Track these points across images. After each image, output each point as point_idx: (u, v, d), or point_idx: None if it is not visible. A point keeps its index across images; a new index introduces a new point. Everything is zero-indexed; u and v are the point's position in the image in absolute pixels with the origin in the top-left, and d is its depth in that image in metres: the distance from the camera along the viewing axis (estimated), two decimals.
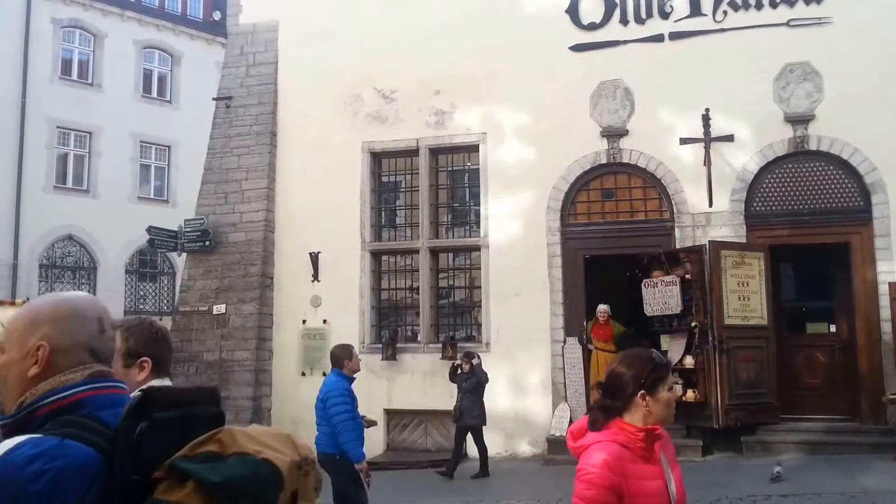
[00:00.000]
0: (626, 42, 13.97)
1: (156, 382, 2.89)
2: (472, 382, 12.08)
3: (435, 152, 15.04)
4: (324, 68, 15.22)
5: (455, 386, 12.45)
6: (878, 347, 12.49)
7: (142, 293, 27.48)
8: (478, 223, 14.70)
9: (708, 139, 13.12)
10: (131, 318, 3.03)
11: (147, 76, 28.09)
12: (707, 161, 13.05)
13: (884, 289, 12.36)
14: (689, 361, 12.45)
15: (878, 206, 12.69)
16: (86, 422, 1.85)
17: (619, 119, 13.82)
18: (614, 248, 13.93)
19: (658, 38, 13.84)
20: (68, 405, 1.89)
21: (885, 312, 12.32)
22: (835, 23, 13.06)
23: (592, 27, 14.15)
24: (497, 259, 14.11)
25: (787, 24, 13.27)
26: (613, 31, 14.08)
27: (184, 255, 16.07)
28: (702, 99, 13.23)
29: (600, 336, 13.39)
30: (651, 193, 13.81)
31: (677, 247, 13.21)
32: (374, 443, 12.41)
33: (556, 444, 12.86)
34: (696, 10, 13.73)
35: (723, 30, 13.55)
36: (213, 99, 16.44)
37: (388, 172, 15.66)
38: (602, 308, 13.41)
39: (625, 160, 13.77)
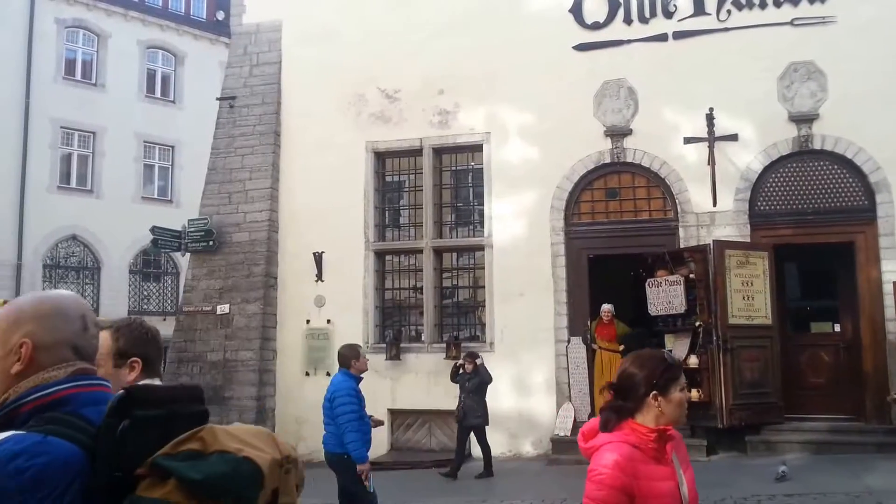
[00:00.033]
0: (629, 41, 13.96)
1: (145, 382, 2.91)
2: (475, 382, 12.07)
3: (439, 152, 15.04)
4: (327, 68, 15.23)
5: (456, 386, 12.44)
6: (882, 347, 12.47)
7: (145, 293, 27.51)
8: (481, 223, 14.70)
9: (712, 138, 13.10)
10: (122, 318, 3.04)
11: (150, 76, 28.15)
12: (711, 160, 13.04)
13: (888, 288, 12.34)
14: (693, 361, 12.42)
15: (882, 206, 12.67)
16: (69, 419, 1.87)
17: (622, 118, 13.81)
18: (618, 247, 13.91)
19: (662, 38, 13.82)
20: (52, 402, 1.91)
21: (890, 312, 12.32)
22: (839, 22, 13.03)
23: (596, 26, 14.14)
24: (501, 259, 14.10)
25: (791, 23, 13.25)
26: (617, 30, 14.07)
27: (187, 255, 16.09)
28: (706, 98, 13.22)
29: (604, 336, 13.40)
30: (655, 193, 13.79)
31: (681, 246, 13.19)
32: (378, 443, 12.40)
33: (560, 444, 12.87)
34: (699, 9, 13.72)
35: (727, 29, 13.54)
36: (217, 99, 16.45)
37: (391, 172, 15.65)
38: (606, 308, 13.42)
39: (629, 160, 13.76)
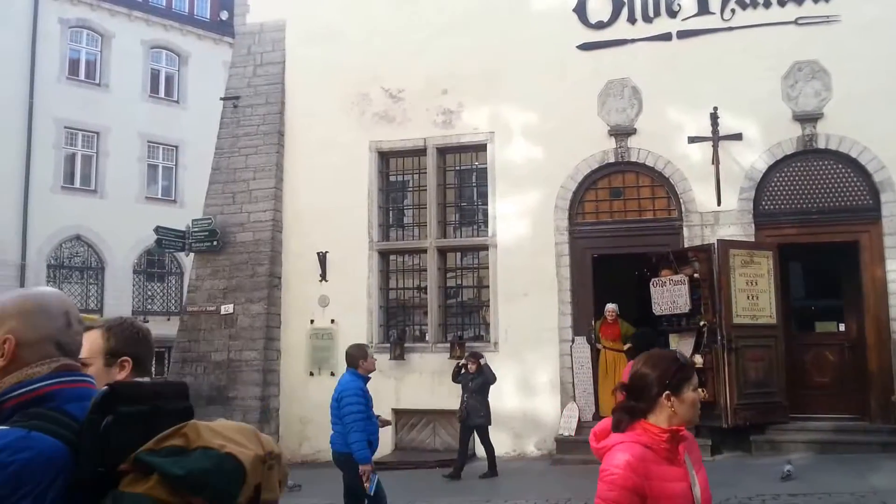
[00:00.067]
0: (633, 41, 13.95)
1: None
2: (478, 382, 12.06)
3: (442, 151, 15.03)
4: (331, 68, 15.23)
5: (458, 385, 12.44)
6: (887, 346, 12.44)
7: (150, 293, 27.52)
8: (486, 222, 14.68)
9: (716, 138, 13.08)
10: (113, 318, 3.05)
11: (154, 76, 28.17)
12: (715, 160, 13.01)
13: (893, 287, 12.34)
14: (697, 361, 12.36)
15: (886, 205, 12.65)
16: (53, 415, 1.89)
17: (626, 118, 13.80)
18: (622, 247, 13.91)
19: (666, 37, 13.81)
20: (35, 398, 1.92)
21: (895, 311, 12.29)
22: (843, 21, 13.02)
23: (600, 26, 14.13)
24: (505, 258, 14.10)
25: (796, 22, 13.23)
26: (621, 29, 14.06)
27: (191, 255, 16.08)
28: (710, 97, 13.20)
29: (609, 335, 13.39)
30: (659, 192, 13.78)
31: (685, 246, 13.18)
32: (383, 443, 12.32)
33: (564, 444, 12.86)
34: (703, 8, 13.70)
35: (731, 28, 13.52)
36: (221, 99, 16.46)
37: (395, 172, 15.65)
38: (610, 307, 13.41)
39: (633, 159, 13.75)
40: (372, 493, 7.90)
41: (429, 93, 14.72)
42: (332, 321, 14.73)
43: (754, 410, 12.19)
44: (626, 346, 12.99)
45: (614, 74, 13.89)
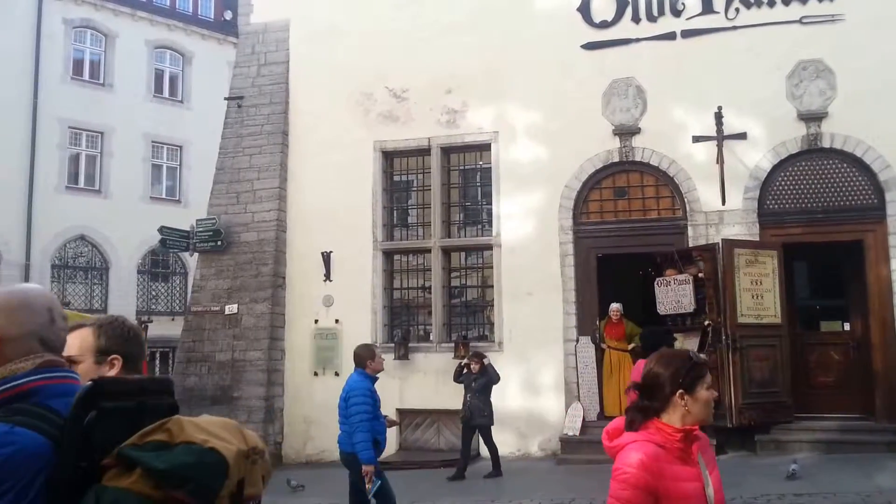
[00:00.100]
0: (638, 40, 13.94)
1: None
2: (481, 382, 12.05)
3: (447, 151, 15.03)
4: (335, 67, 15.24)
5: (459, 385, 12.43)
6: (892, 345, 12.43)
7: (154, 293, 27.52)
8: (490, 222, 14.69)
9: (721, 137, 13.07)
10: (105, 316, 3.08)
11: (158, 76, 28.14)
12: (720, 159, 13.01)
13: None
14: None
15: (891, 204, 12.63)
16: (37, 410, 1.91)
17: (631, 117, 13.79)
18: (627, 246, 13.90)
19: (670, 36, 13.80)
20: (19, 394, 1.94)
21: None
22: (847, 20, 13.00)
23: (604, 25, 14.12)
24: (509, 258, 14.09)
25: (800, 21, 13.22)
26: (625, 29, 14.05)
27: (196, 255, 16.09)
28: (714, 97, 13.20)
29: (613, 335, 13.39)
30: (664, 192, 13.77)
31: (690, 245, 13.17)
32: (388, 442, 12.41)
33: (569, 444, 12.86)
34: (708, 7, 13.69)
35: (735, 27, 13.51)
36: (225, 98, 16.47)
37: (399, 171, 15.65)
38: (615, 307, 13.40)
39: (637, 158, 13.74)
40: (371, 496, 7.91)
41: (433, 92, 14.71)
42: (337, 321, 14.73)
43: (759, 410, 12.18)
44: (630, 346, 13.01)
45: (618, 74, 13.88)
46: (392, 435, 13.47)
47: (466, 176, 15.51)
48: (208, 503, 1.88)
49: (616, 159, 13.84)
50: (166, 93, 28.23)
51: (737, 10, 13.53)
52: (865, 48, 12.75)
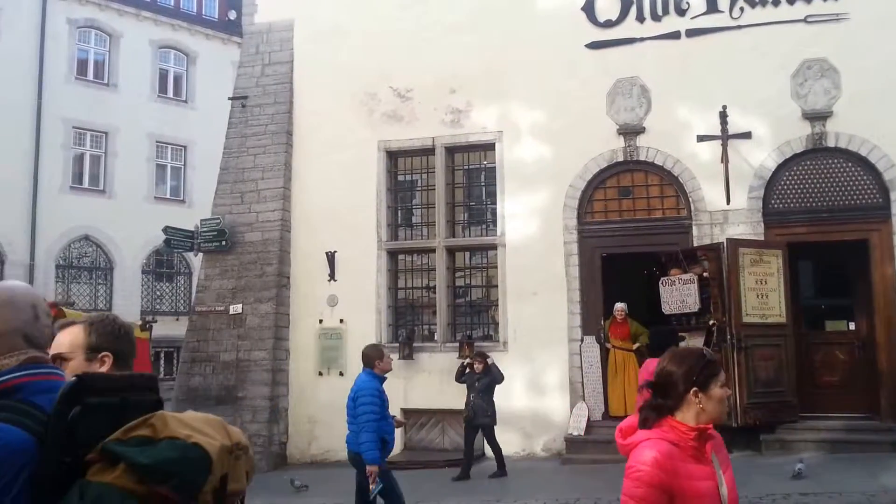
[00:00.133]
0: (642, 39, 13.93)
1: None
2: (484, 382, 12.04)
3: (451, 151, 15.03)
4: (339, 67, 15.24)
5: (464, 385, 12.42)
6: None
7: (158, 293, 27.55)
8: (494, 222, 14.68)
9: (725, 136, 13.06)
10: (96, 314, 3.11)
11: (163, 76, 28.21)
12: (724, 158, 12.99)
13: None
14: None
15: None
16: (21, 406, 1.91)
17: (635, 117, 13.78)
18: (631, 246, 13.89)
19: (674, 36, 13.78)
20: (3, 390, 1.95)
21: None
22: (852, 18, 12.98)
23: (608, 24, 14.11)
24: (514, 257, 14.08)
25: (805, 20, 13.20)
26: (630, 28, 14.04)
27: (200, 255, 16.10)
28: (719, 96, 13.19)
29: (618, 335, 13.38)
30: (668, 191, 13.76)
31: (695, 245, 13.15)
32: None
33: (574, 444, 12.86)
34: (712, 6, 13.67)
35: (739, 26, 13.49)
36: (229, 98, 16.48)
37: (404, 171, 15.65)
38: (619, 306, 13.39)
39: (641, 158, 13.73)
40: (373, 497, 7.91)
41: (437, 92, 14.71)
42: (341, 321, 14.73)
43: (764, 409, 12.16)
44: (635, 346, 13.01)
45: (623, 73, 13.88)
46: (397, 435, 13.43)
47: (471, 175, 15.51)
48: (192, 498, 1.89)
49: (620, 159, 13.83)
50: (170, 93, 28.30)
51: (741, 9, 13.52)
52: (870, 47, 12.73)
